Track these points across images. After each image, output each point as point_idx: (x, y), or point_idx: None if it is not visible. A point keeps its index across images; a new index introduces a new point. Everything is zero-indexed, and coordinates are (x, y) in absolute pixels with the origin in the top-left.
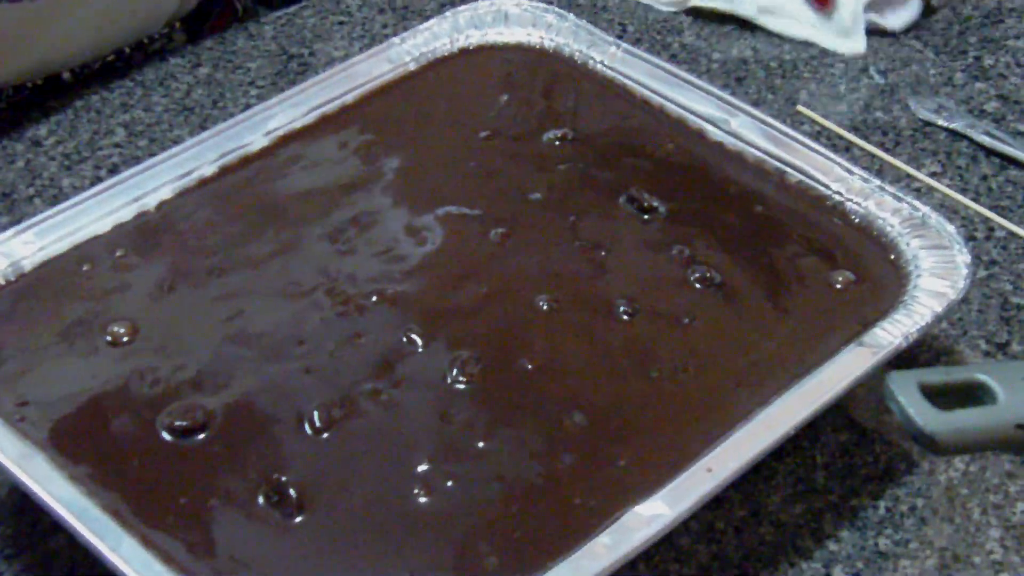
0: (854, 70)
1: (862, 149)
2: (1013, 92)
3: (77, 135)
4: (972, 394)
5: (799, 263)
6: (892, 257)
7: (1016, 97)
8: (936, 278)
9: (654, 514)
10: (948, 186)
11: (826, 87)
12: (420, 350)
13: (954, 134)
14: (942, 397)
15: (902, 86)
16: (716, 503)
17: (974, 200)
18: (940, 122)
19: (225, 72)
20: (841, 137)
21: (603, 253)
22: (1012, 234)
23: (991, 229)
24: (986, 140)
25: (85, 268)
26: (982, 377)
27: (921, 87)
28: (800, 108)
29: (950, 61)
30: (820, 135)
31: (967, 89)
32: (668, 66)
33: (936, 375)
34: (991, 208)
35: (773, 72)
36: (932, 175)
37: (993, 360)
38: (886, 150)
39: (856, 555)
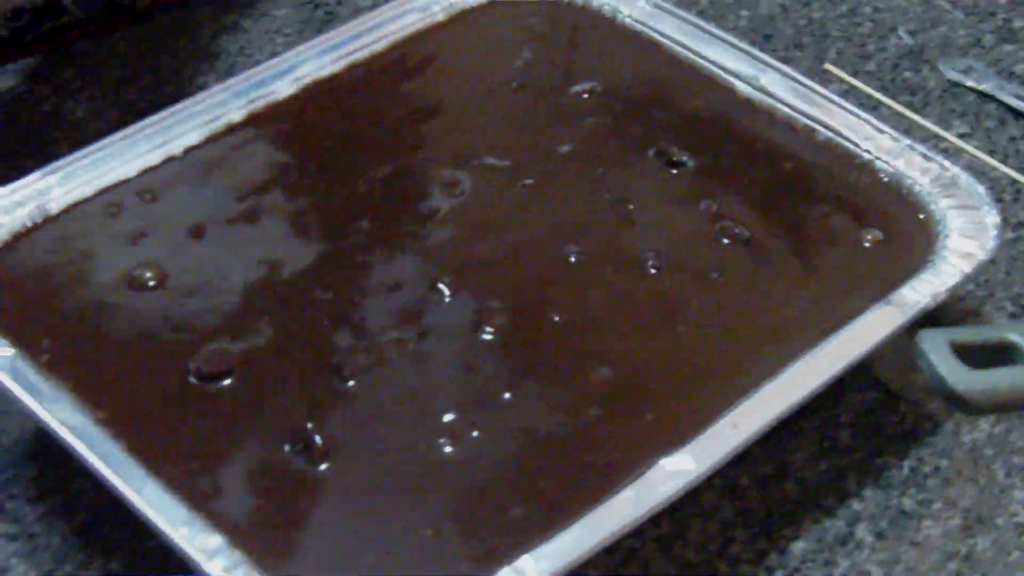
0: (883, 29)
1: (890, 108)
2: None
3: (103, 79)
4: (1003, 354)
5: (827, 221)
6: (921, 216)
7: None
8: (965, 238)
9: (679, 469)
10: (976, 148)
11: (854, 46)
12: (448, 300)
13: (983, 95)
14: (972, 356)
15: (931, 46)
16: (740, 459)
17: (1002, 162)
18: (969, 83)
19: (251, 20)
20: (869, 96)
21: (631, 206)
22: None
23: (1019, 191)
24: (1015, 102)
25: (112, 211)
26: (1014, 337)
27: (950, 48)
28: (828, 66)
29: (979, 23)
30: (848, 94)
31: (996, 51)
32: (697, 20)
33: (967, 334)
34: (1019, 170)
35: (801, 30)
36: (960, 136)
37: (1020, 318)
38: (914, 110)
39: (879, 514)
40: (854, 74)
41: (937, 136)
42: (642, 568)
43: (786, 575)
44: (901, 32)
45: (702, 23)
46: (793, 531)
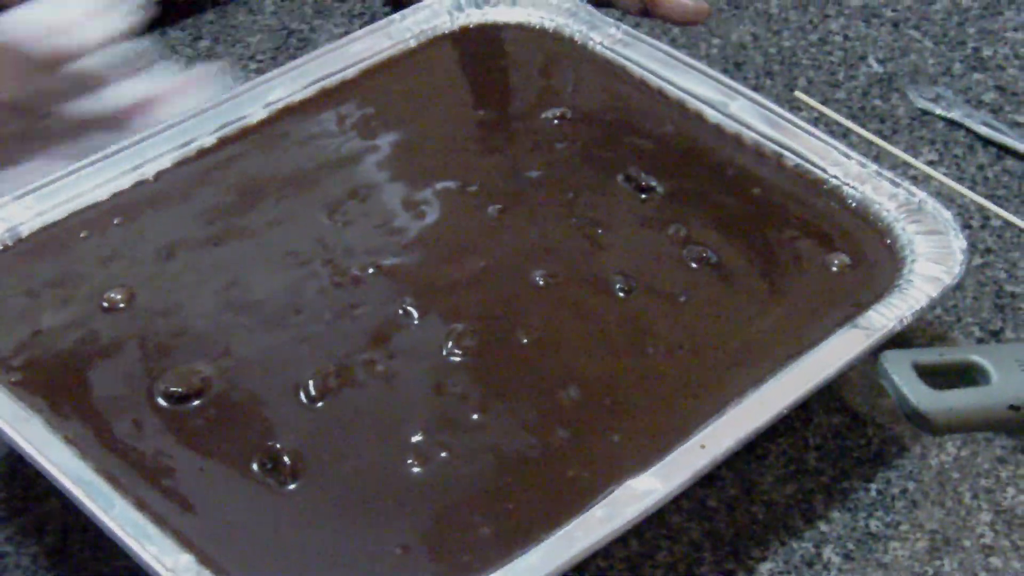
0: (853, 58)
1: (860, 136)
2: (1011, 83)
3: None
4: (966, 375)
5: (795, 245)
6: (888, 242)
7: (1014, 88)
8: (932, 263)
9: (647, 489)
10: (945, 174)
11: (824, 74)
12: (416, 322)
13: (952, 123)
14: (936, 377)
15: (900, 75)
16: (708, 481)
17: (970, 189)
18: (938, 111)
19: (225, 46)
20: (839, 124)
21: (600, 231)
22: (1008, 223)
23: (987, 218)
24: (983, 130)
25: (83, 235)
26: (976, 358)
27: (919, 76)
28: (798, 94)
29: (949, 51)
30: (818, 121)
31: (965, 79)
32: (668, 48)
33: (930, 355)
34: (987, 197)
35: (772, 58)
36: (929, 163)
37: (987, 343)
38: (884, 138)
39: (847, 536)
40: (824, 102)
41: (906, 163)
42: None
43: None
44: (871, 61)
45: (672, 51)
46: (761, 552)
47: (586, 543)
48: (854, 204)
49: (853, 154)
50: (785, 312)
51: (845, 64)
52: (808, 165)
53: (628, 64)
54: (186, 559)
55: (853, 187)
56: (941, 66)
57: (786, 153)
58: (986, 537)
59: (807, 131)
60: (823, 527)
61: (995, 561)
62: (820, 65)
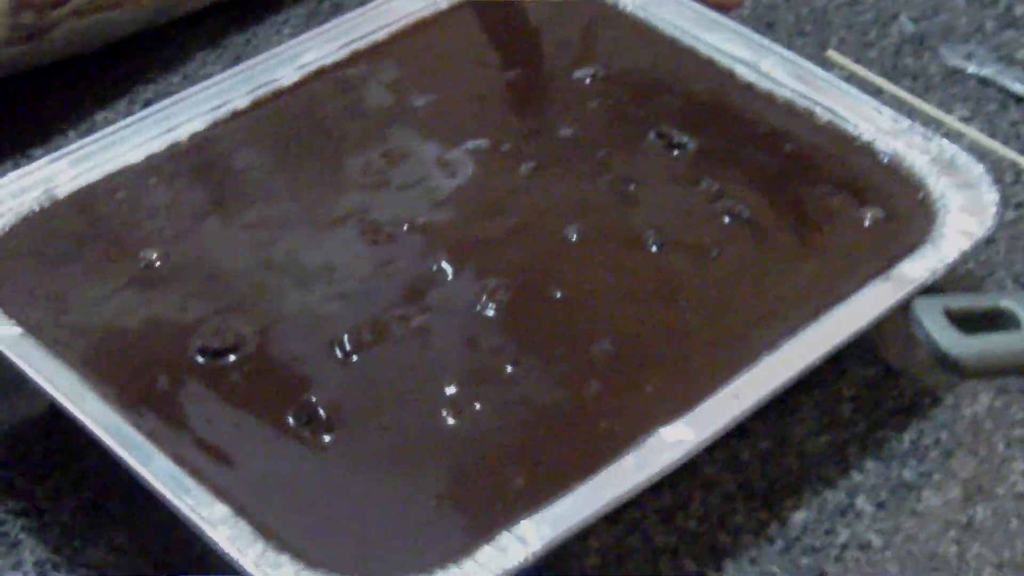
0: (885, 16)
1: (892, 94)
2: None
3: (111, 71)
4: (996, 321)
5: (828, 200)
6: (921, 196)
7: None
8: (965, 215)
9: (679, 438)
10: (977, 131)
11: (856, 33)
12: (450, 278)
13: (984, 81)
14: (967, 323)
15: (933, 33)
16: (741, 434)
17: (1003, 144)
18: (970, 69)
19: (259, 13)
20: (871, 82)
21: (632, 187)
22: None
23: (1019, 173)
24: (1016, 87)
25: (119, 196)
26: (1007, 304)
27: (951, 34)
28: (831, 53)
29: (980, 9)
30: (850, 80)
31: (998, 37)
32: (698, 7)
33: (961, 301)
34: (1020, 152)
35: (803, 18)
36: (961, 120)
37: (1017, 286)
38: (916, 95)
39: (880, 485)
40: (856, 61)
41: (938, 120)
42: (644, 538)
43: (787, 544)
44: (903, 19)
45: (703, 9)
46: (794, 502)
47: (617, 491)
48: (886, 159)
49: (885, 109)
50: (817, 266)
51: (877, 23)
52: (840, 121)
53: (660, 23)
54: (222, 510)
55: (885, 142)
56: (973, 24)
57: (817, 109)
58: (1019, 485)
59: (839, 87)
60: (856, 477)
61: None
62: (852, 24)
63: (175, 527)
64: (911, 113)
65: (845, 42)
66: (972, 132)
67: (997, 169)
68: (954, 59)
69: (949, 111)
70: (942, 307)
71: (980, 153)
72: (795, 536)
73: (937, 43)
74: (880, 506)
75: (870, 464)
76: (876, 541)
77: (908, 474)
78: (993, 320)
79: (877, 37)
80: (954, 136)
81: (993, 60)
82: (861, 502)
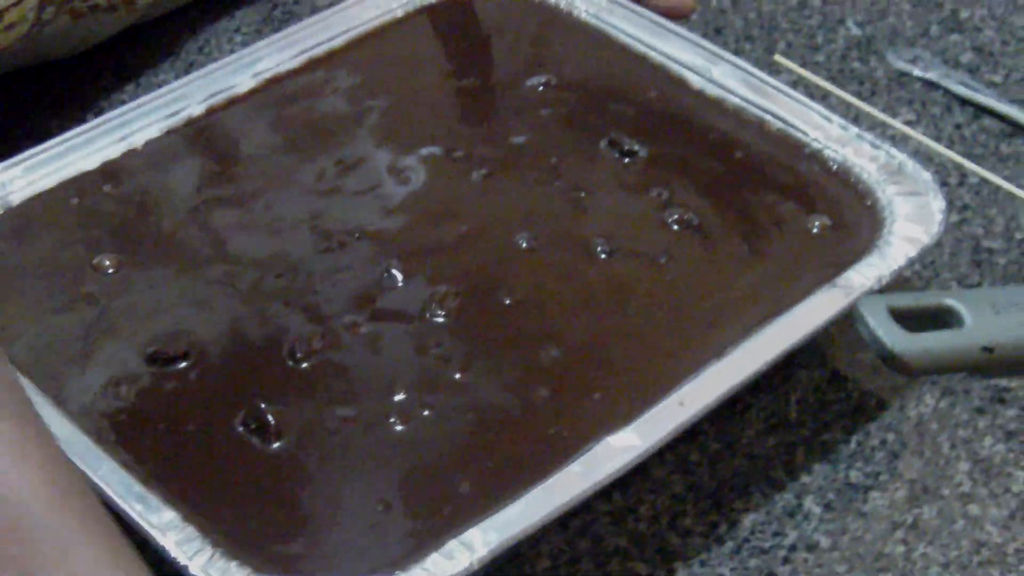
0: (832, 21)
1: (839, 98)
2: (988, 44)
3: (65, 80)
4: (940, 319)
5: (777, 208)
6: (868, 203)
7: (990, 49)
8: (911, 223)
9: (626, 445)
10: (923, 134)
11: (803, 38)
12: (400, 284)
13: (929, 84)
14: (911, 321)
15: (879, 37)
16: (691, 436)
17: (948, 147)
18: (916, 72)
19: (211, 18)
20: (818, 86)
21: (583, 194)
22: (984, 180)
23: (964, 175)
24: (960, 90)
25: (73, 202)
26: (950, 302)
27: (897, 38)
28: (778, 58)
29: (926, 13)
30: (797, 84)
31: (943, 41)
32: (650, 15)
33: (905, 299)
34: (964, 155)
35: (751, 22)
36: (907, 123)
37: (961, 287)
38: (863, 99)
39: (827, 487)
40: (803, 65)
41: (884, 124)
42: (594, 541)
43: (736, 546)
44: (849, 23)
45: (656, 17)
46: (743, 503)
47: (564, 498)
48: (835, 167)
49: (834, 117)
50: (765, 273)
51: (824, 27)
52: (790, 129)
53: (612, 31)
54: (170, 515)
55: (834, 150)
56: (919, 28)
57: (768, 117)
58: (964, 485)
59: (789, 95)
60: (804, 478)
61: (974, 509)
62: (799, 29)
63: (129, 534)
64: (857, 117)
65: (792, 46)
66: (918, 135)
67: (942, 172)
68: (900, 63)
69: (895, 114)
70: (886, 305)
71: (925, 156)
72: (744, 537)
73: (883, 47)
74: (827, 507)
75: (817, 466)
76: (824, 542)
77: (855, 475)
78: (937, 318)
79: (824, 41)
80: (900, 139)
81: (938, 64)
82: (809, 503)
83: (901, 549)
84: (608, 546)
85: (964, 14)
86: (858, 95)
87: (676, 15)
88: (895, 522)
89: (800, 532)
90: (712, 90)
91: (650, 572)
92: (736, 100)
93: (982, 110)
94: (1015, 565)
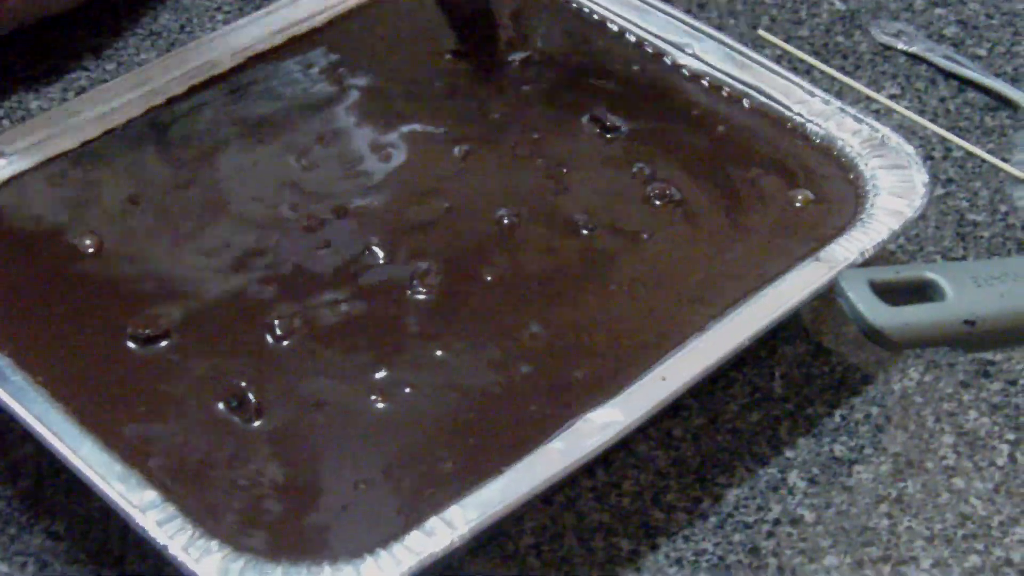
0: None
1: (823, 72)
2: (972, 17)
3: (45, 59)
4: (921, 292)
5: (759, 182)
6: (851, 177)
7: (975, 22)
8: (894, 197)
9: (608, 421)
10: (907, 108)
11: (787, 13)
12: (381, 262)
13: (914, 58)
14: (892, 295)
15: (863, 11)
16: (674, 412)
17: (932, 121)
18: (900, 46)
19: None
20: (802, 61)
21: (565, 170)
22: (969, 153)
23: (948, 149)
24: (944, 63)
25: (53, 182)
26: (931, 275)
27: (881, 12)
28: (762, 32)
29: None
30: (781, 59)
31: (927, 15)
32: None
33: (886, 273)
34: (949, 129)
35: None
36: (891, 97)
37: (946, 261)
38: (846, 73)
39: (811, 461)
40: (787, 40)
41: (869, 98)
42: (578, 517)
43: (720, 520)
44: None
45: None
46: (727, 479)
47: (545, 475)
48: (818, 140)
49: (817, 91)
50: (747, 248)
51: (808, 2)
52: (772, 103)
53: (593, 7)
54: (151, 495)
55: (817, 124)
56: (903, 2)
57: (751, 92)
58: (949, 459)
59: (771, 69)
60: (788, 453)
61: (958, 482)
62: (783, 4)
63: (112, 514)
64: (841, 91)
65: (776, 21)
66: (902, 109)
67: (927, 145)
68: (884, 37)
69: (879, 88)
70: (867, 279)
71: (910, 130)
72: (728, 512)
73: (867, 21)
74: (812, 481)
75: (801, 440)
76: (808, 516)
77: (839, 449)
78: (918, 292)
79: (808, 16)
80: (885, 113)
81: (922, 38)
82: (793, 478)
83: (886, 523)
84: (592, 522)
85: None
86: (842, 69)
87: None
88: (879, 496)
89: (784, 506)
90: (694, 65)
91: (634, 547)
92: (718, 75)
93: (966, 83)
94: (999, 538)
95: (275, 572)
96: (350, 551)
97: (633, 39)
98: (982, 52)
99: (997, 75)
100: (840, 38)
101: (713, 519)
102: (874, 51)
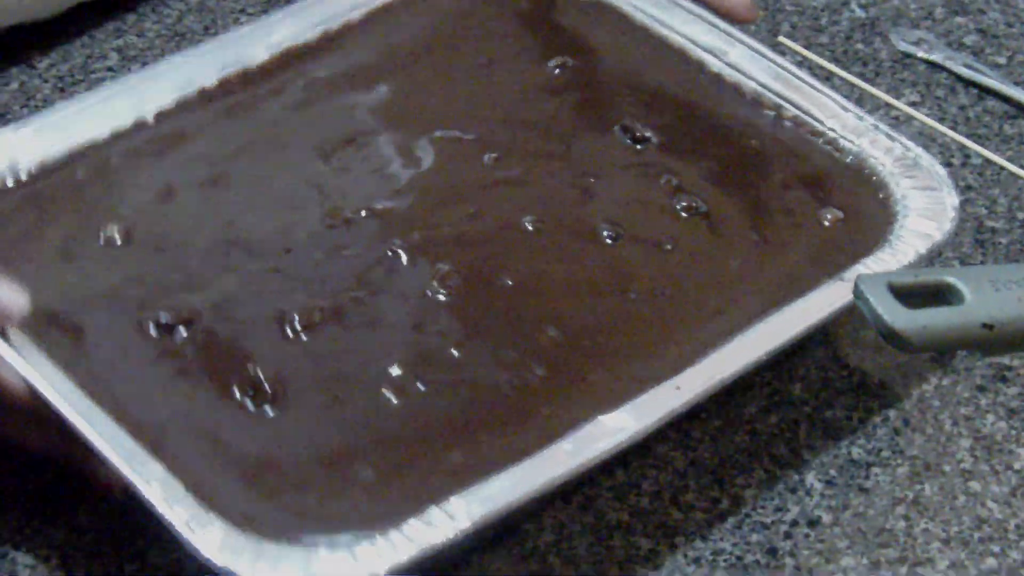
0: (836, 3)
1: (843, 79)
2: (991, 26)
3: (71, 59)
4: (940, 296)
5: (788, 198)
6: (882, 196)
7: (994, 31)
8: (924, 219)
9: (619, 426)
10: (927, 115)
11: (807, 19)
12: (403, 263)
13: (933, 66)
14: (911, 298)
15: (883, 19)
16: (693, 414)
17: (952, 128)
18: (920, 54)
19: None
20: (822, 68)
21: (592, 180)
22: (988, 161)
23: (967, 156)
24: (964, 71)
25: (82, 171)
26: (950, 279)
27: (902, 20)
28: (782, 39)
29: None
30: (801, 66)
31: (947, 23)
32: None
33: (905, 276)
34: (968, 136)
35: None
36: (911, 104)
37: (959, 262)
38: (866, 80)
39: (829, 463)
40: (807, 46)
41: (888, 105)
42: (597, 516)
43: (737, 521)
44: (853, 5)
45: None
46: (744, 480)
47: (552, 475)
48: (850, 158)
49: (851, 106)
50: (772, 263)
51: (828, 9)
52: (806, 117)
53: (636, 12)
54: (158, 469)
55: (850, 140)
56: (923, 10)
57: (785, 104)
58: (966, 462)
59: (806, 82)
60: (806, 455)
61: (974, 485)
62: (803, 11)
63: (133, 508)
64: (861, 98)
65: (796, 28)
66: (922, 116)
67: (946, 152)
68: (904, 44)
69: (899, 96)
70: (886, 282)
71: (930, 137)
72: (746, 513)
73: (887, 29)
74: (829, 483)
75: (819, 443)
76: (825, 517)
77: (857, 452)
78: (937, 295)
79: (828, 23)
80: (904, 120)
81: (942, 45)
82: (811, 479)
83: (902, 525)
84: (610, 521)
85: None
86: (862, 76)
87: (736, 19)
88: (896, 498)
89: (802, 507)
90: (730, 74)
91: (652, 547)
92: (753, 85)
93: (986, 91)
94: (1016, 541)
95: (272, 550)
96: (349, 536)
97: (674, 45)
98: (1002, 60)
99: (1016, 83)
100: (860, 45)
101: (731, 519)
102: (894, 59)
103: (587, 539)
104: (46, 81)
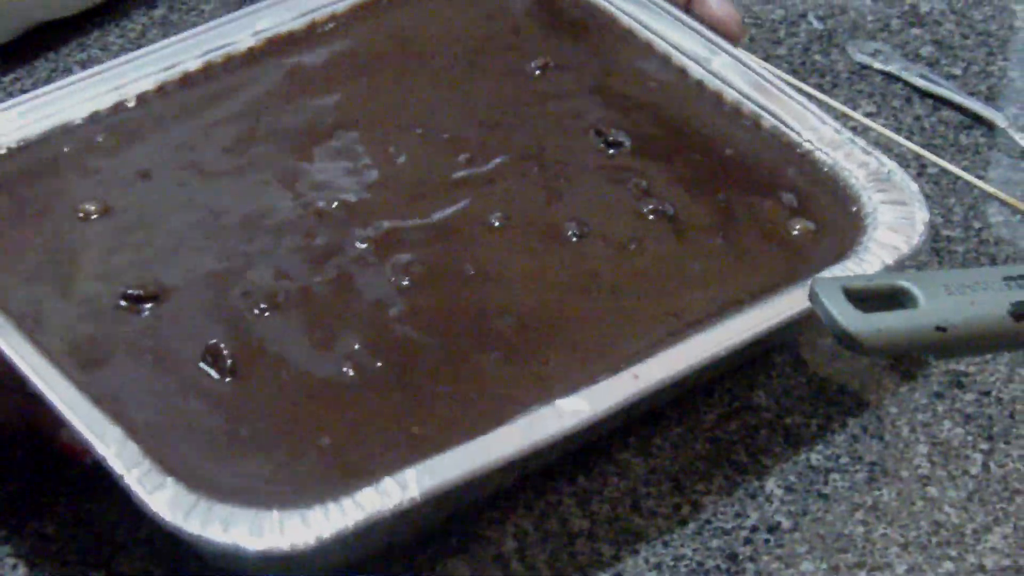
0: (794, 15)
1: (801, 90)
2: (947, 37)
3: (35, 73)
4: (895, 300)
5: (758, 206)
6: (854, 209)
7: (950, 43)
8: (892, 232)
9: (574, 409)
10: (883, 125)
11: (766, 32)
12: (370, 251)
13: (890, 76)
14: (866, 302)
15: (840, 31)
16: (653, 420)
17: (908, 138)
18: (876, 65)
19: (179, 13)
20: (780, 78)
21: (562, 181)
22: (943, 170)
23: (923, 166)
24: (920, 82)
25: (64, 150)
26: (904, 283)
27: (858, 32)
28: (740, 52)
29: (887, 7)
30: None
31: (903, 35)
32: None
33: (860, 280)
34: (924, 146)
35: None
36: (868, 115)
37: (915, 269)
38: (824, 91)
39: (788, 469)
40: (766, 58)
41: (846, 115)
42: (560, 522)
43: (698, 527)
44: (811, 18)
45: (660, 2)
46: (705, 486)
47: (503, 452)
48: (825, 170)
49: (828, 119)
50: (735, 268)
51: (786, 22)
52: (784, 128)
53: (619, 15)
54: (116, 432)
55: (825, 152)
56: (879, 22)
57: (764, 114)
58: (923, 468)
59: (786, 93)
60: (766, 461)
61: (932, 490)
62: (762, 23)
63: (106, 514)
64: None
65: (755, 40)
66: (878, 126)
67: (902, 162)
68: (861, 56)
69: (856, 106)
70: (841, 286)
71: (886, 147)
72: (706, 519)
73: (844, 41)
74: (789, 489)
75: (778, 449)
76: (785, 523)
77: (815, 458)
78: (892, 299)
79: (786, 35)
80: (861, 131)
81: (898, 57)
82: (770, 485)
83: (861, 530)
84: (573, 527)
85: (924, 8)
86: (819, 88)
87: (726, 35)
88: (855, 504)
89: (761, 513)
90: (711, 82)
91: (614, 553)
92: (734, 94)
93: (941, 102)
94: (972, 545)
95: (223, 511)
96: (301, 501)
97: (657, 49)
98: (957, 71)
99: (972, 94)
100: (818, 57)
101: (692, 525)
102: (851, 70)
103: (549, 545)
104: (10, 95)
